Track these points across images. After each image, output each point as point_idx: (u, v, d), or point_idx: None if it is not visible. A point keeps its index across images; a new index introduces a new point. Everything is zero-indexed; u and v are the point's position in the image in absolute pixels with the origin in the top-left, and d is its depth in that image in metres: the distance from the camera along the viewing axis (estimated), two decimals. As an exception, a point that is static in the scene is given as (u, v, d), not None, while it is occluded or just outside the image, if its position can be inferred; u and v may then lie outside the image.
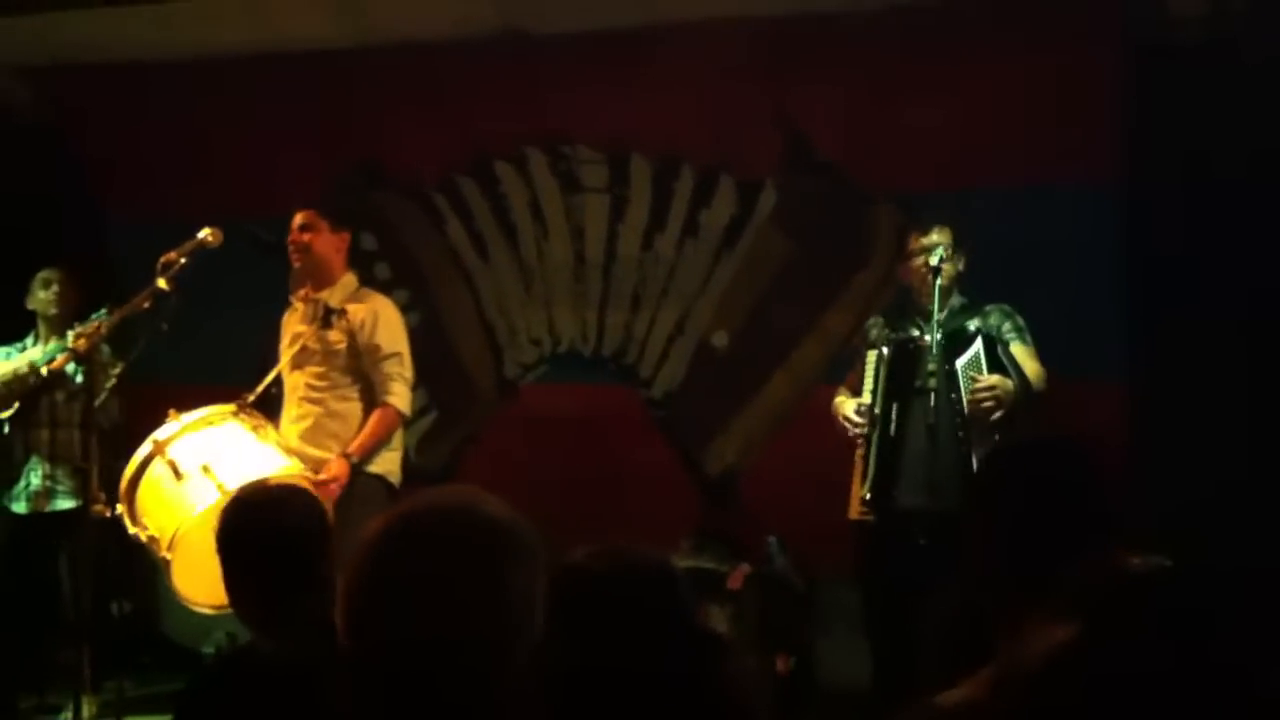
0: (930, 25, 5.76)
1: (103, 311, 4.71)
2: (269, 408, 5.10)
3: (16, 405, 5.75)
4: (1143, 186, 5.67)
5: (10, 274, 6.10)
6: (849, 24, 5.85)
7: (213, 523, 4.22)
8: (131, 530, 4.62)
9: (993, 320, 4.97)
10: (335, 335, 5.10)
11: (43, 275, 5.98)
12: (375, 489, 4.95)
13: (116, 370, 5.09)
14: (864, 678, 5.00)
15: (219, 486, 4.44)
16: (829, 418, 5.09)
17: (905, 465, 4.75)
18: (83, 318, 4.93)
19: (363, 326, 5.10)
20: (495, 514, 1.79)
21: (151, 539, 4.55)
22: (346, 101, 6.62)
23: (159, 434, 4.66)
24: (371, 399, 5.10)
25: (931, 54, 5.84)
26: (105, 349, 5.19)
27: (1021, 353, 4.89)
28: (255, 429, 4.81)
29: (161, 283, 4.57)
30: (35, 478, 5.77)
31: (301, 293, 5.25)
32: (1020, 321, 4.99)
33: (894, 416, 4.80)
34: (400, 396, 5.10)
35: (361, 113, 6.66)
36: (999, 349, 4.81)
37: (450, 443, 6.88)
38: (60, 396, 5.76)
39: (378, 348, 5.09)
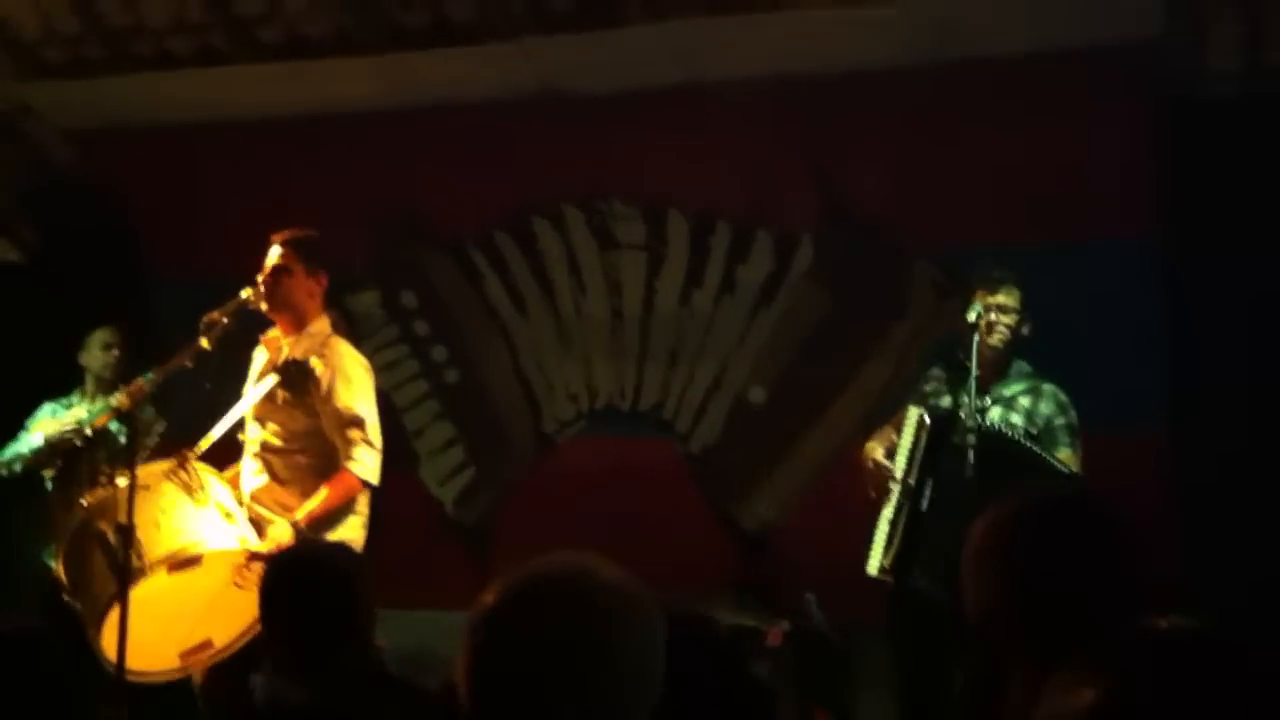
0: (965, 82, 5.77)
1: (149, 374, 4.73)
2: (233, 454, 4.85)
3: (59, 464, 5.80)
4: (1179, 240, 5.62)
5: (57, 331, 6.17)
6: (885, 82, 5.86)
7: (147, 598, 4.19)
8: (66, 598, 4.46)
9: (1044, 407, 4.79)
10: (294, 391, 4.70)
11: (103, 336, 6.03)
12: None
13: (159, 429, 5.13)
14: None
15: (140, 564, 4.19)
16: (865, 471, 4.99)
17: (932, 545, 4.59)
18: (130, 379, 4.94)
19: (320, 385, 4.67)
20: (610, 581, 1.79)
21: (82, 611, 4.37)
22: (388, 160, 6.69)
23: (88, 499, 4.47)
24: (333, 461, 4.69)
25: (967, 111, 5.85)
26: (149, 408, 5.23)
27: (1068, 462, 4.68)
28: (192, 492, 4.46)
29: (204, 342, 4.53)
30: (73, 534, 5.80)
31: (271, 335, 4.91)
32: (1073, 416, 4.79)
33: (927, 492, 4.66)
34: (362, 463, 4.65)
35: (403, 171, 6.74)
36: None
37: (488, 498, 6.89)
38: (102, 455, 5.81)
39: (338, 412, 4.66)
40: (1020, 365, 4.89)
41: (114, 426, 5.24)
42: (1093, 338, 5.54)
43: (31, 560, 5.96)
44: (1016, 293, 4.81)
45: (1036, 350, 4.95)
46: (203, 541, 4.41)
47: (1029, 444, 4.62)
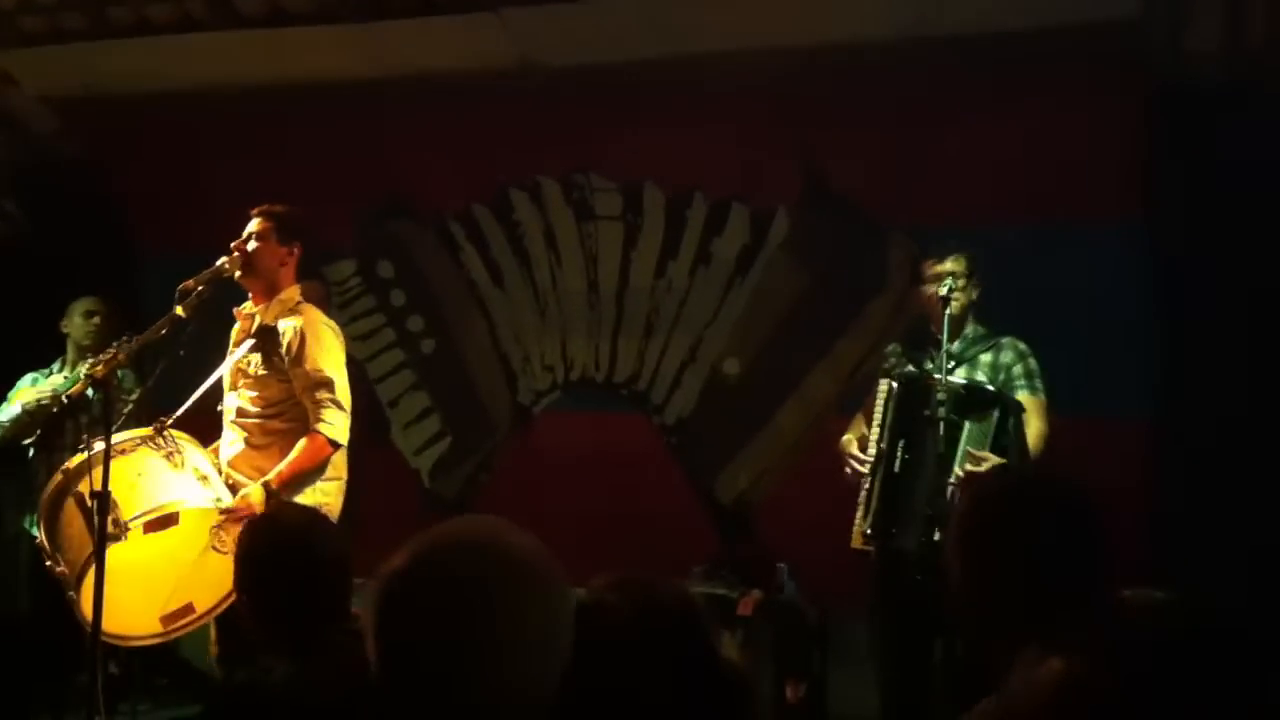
0: (950, 62, 5.76)
1: (123, 339, 4.75)
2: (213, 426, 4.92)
3: (38, 432, 5.81)
4: (1163, 224, 5.65)
5: (38, 301, 6.16)
6: (868, 58, 5.85)
7: (125, 560, 4.27)
8: (47, 563, 4.51)
9: (1005, 358, 4.88)
10: (265, 358, 4.77)
11: (85, 305, 6.02)
12: None
13: (134, 396, 5.14)
14: (874, 707, 5.00)
15: (121, 524, 4.29)
16: (843, 462, 5.01)
17: (906, 504, 4.70)
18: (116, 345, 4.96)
19: (290, 349, 4.72)
20: (517, 546, 1.78)
21: (63, 574, 4.42)
22: (368, 132, 6.70)
23: (69, 464, 4.53)
24: (308, 425, 4.73)
25: (951, 90, 5.86)
26: (125, 375, 5.23)
27: (1029, 406, 4.77)
28: (169, 456, 4.55)
29: (179, 310, 4.56)
30: (56, 501, 5.80)
31: (244, 307, 4.95)
32: (1034, 364, 4.87)
33: (899, 453, 4.73)
34: (331, 424, 4.69)
35: (382, 143, 6.76)
36: (1011, 422, 4.65)
37: (465, 469, 6.93)
38: (84, 420, 5.81)
39: (306, 373, 4.71)
40: (976, 328, 4.96)
41: (91, 393, 5.24)
42: (1080, 321, 5.59)
43: (15, 529, 5.98)
44: (963, 259, 4.87)
45: (1025, 333, 4.97)
46: (178, 501, 4.47)
47: (992, 389, 4.74)
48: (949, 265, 4.87)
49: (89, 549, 4.21)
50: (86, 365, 5.12)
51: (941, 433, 4.55)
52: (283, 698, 2.73)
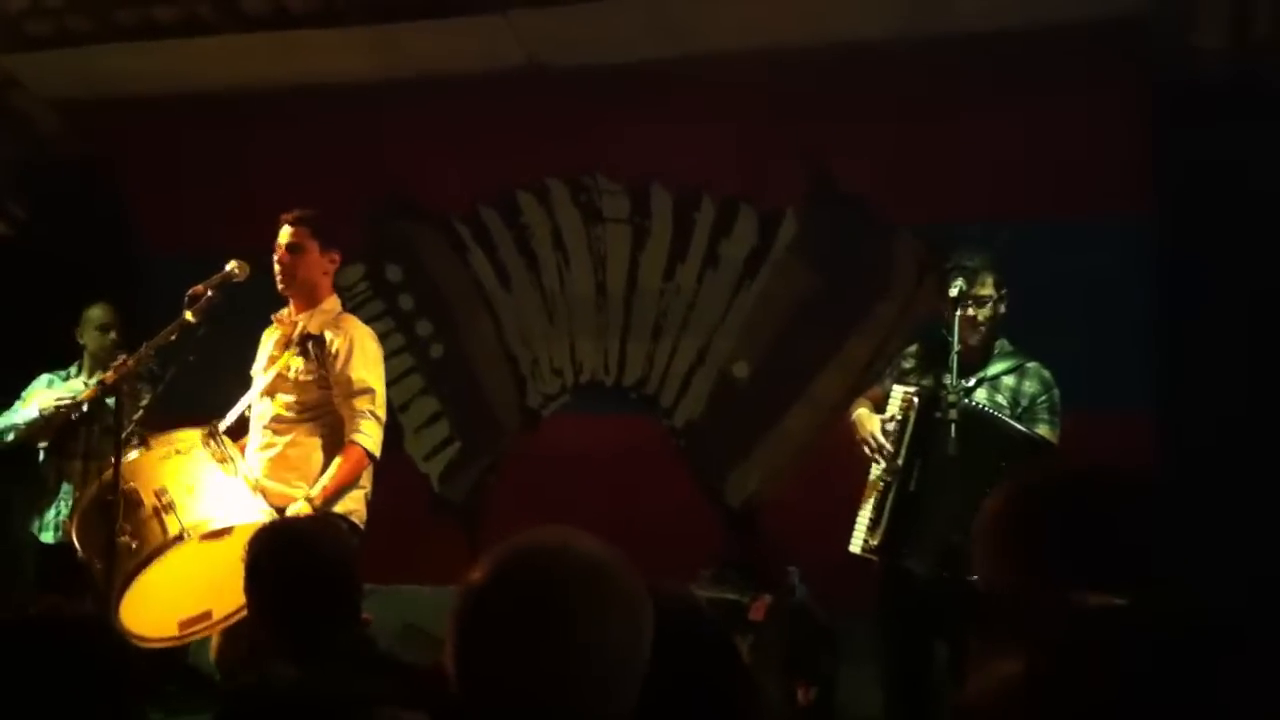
0: (956, 60, 5.76)
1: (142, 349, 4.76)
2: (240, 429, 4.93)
3: (52, 436, 5.83)
4: (1167, 220, 5.65)
5: (43, 302, 6.17)
6: (874, 57, 5.85)
7: (172, 564, 4.29)
8: (81, 557, 4.53)
9: (1029, 386, 4.69)
10: (309, 364, 4.80)
11: (99, 317, 6.02)
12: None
13: (144, 402, 5.14)
14: (882, 708, 4.97)
15: (179, 528, 4.32)
16: (850, 448, 4.87)
17: (920, 526, 4.57)
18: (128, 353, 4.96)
19: (337, 356, 4.77)
20: (595, 554, 1.79)
21: (99, 577, 4.40)
22: (375, 134, 6.70)
23: (109, 473, 4.46)
24: (338, 431, 4.78)
25: (955, 88, 5.85)
26: (141, 382, 5.25)
27: (1045, 436, 4.63)
28: (222, 462, 4.57)
29: (189, 315, 4.57)
30: (65, 507, 5.81)
31: (283, 313, 4.98)
32: (1056, 396, 4.69)
33: (915, 472, 4.61)
34: (369, 436, 4.73)
35: (390, 145, 6.74)
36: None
37: (473, 472, 6.91)
38: (97, 429, 5.81)
39: (350, 381, 4.75)
40: (1003, 344, 4.80)
41: (109, 401, 5.26)
42: (1084, 316, 5.58)
43: (22, 532, 5.98)
44: (991, 278, 4.68)
45: (1028, 328, 4.87)
46: (234, 514, 4.46)
47: (1011, 422, 4.58)
48: (978, 290, 4.66)
49: (137, 558, 4.27)
50: (100, 373, 5.13)
51: (953, 436, 4.43)
52: (291, 702, 2.72)
